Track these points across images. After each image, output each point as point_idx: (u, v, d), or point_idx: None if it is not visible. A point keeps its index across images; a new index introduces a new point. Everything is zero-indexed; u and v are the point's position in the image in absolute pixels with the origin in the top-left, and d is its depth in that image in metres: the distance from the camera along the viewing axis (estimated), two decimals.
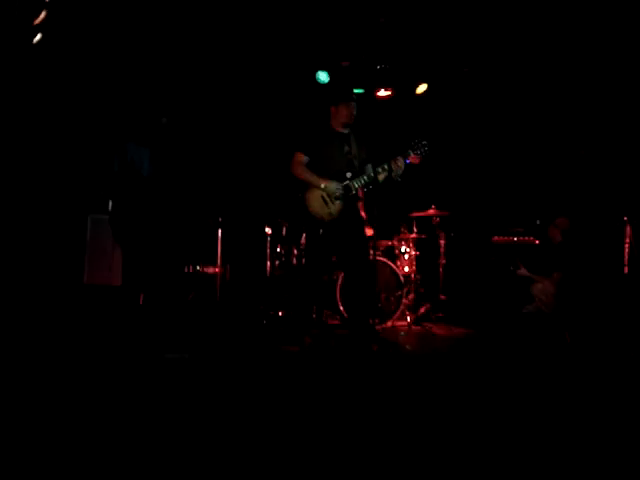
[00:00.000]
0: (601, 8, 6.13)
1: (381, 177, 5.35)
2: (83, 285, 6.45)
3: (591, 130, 7.10)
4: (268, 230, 7.12)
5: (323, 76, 7.38)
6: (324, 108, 5.66)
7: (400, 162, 5.31)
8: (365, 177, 5.36)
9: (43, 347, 5.07)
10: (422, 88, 7.62)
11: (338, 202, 5.34)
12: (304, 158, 5.47)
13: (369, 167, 5.48)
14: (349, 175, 5.38)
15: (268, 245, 7.11)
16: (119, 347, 5.02)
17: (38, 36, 4.87)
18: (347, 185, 5.35)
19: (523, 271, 6.48)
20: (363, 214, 5.75)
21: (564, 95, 7.21)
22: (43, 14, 4.78)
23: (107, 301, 6.16)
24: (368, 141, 5.67)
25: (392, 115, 7.89)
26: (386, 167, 5.29)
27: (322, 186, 5.33)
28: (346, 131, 5.53)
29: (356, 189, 5.38)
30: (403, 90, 7.61)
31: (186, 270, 6.90)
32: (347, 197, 5.36)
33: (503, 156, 7.74)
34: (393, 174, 5.30)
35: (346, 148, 5.46)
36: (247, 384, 4.24)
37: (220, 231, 6.99)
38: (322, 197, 5.35)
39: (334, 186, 5.34)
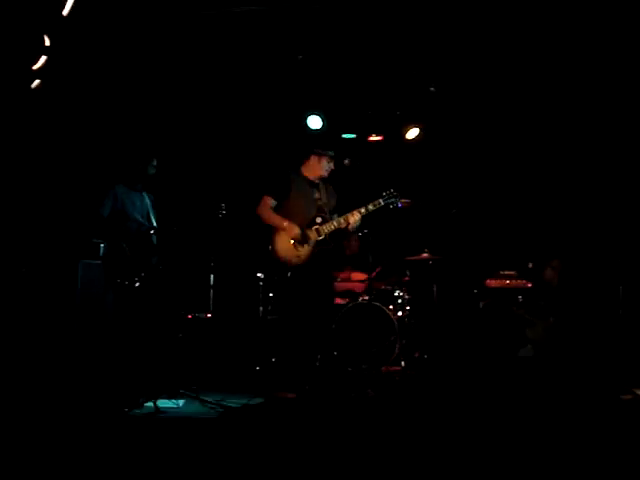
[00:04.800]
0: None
1: (351, 223, 5.40)
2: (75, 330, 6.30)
3: (582, 172, 7.19)
4: (260, 274, 7.04)
5: (315, 123, 7.28)
6: (299, 154, 5.72)
7: (357, 215, 5.37)
8: (335, 223, 5.41)
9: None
10: (413, 133, 7.59)
11: (307, 246, 5.35)
12: (272, 202, 5.49)
13: (335, 216, 5.55)
14: (319, 220, 5.43)
15: (260, 290, 7.04)
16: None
17: (36, 82, 4.86)
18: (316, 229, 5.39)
19: (521, 311, 6.45)
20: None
21: (555, 137, 7.30)
22: (43, 59, 4.78)
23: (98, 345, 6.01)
24: (338, 190, 5.76)
25: (381, 159, 7.92)
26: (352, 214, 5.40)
27: (284, 225, 5.33)
28: (316, 180, 5.61)
29: (326, 234, 5.41)
30: (394, 135, 7.63)
31: (177, 314, 6.79)
32: (316, 242, 5.39)
33: (494, 199, 7.79)
34: (349, 227, 5.38)
35: (316, 194, 5.55)
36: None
37: (212, 276, 6.93)
38: (291, 241, 5.35)
39: (297, 230, 5.34)
